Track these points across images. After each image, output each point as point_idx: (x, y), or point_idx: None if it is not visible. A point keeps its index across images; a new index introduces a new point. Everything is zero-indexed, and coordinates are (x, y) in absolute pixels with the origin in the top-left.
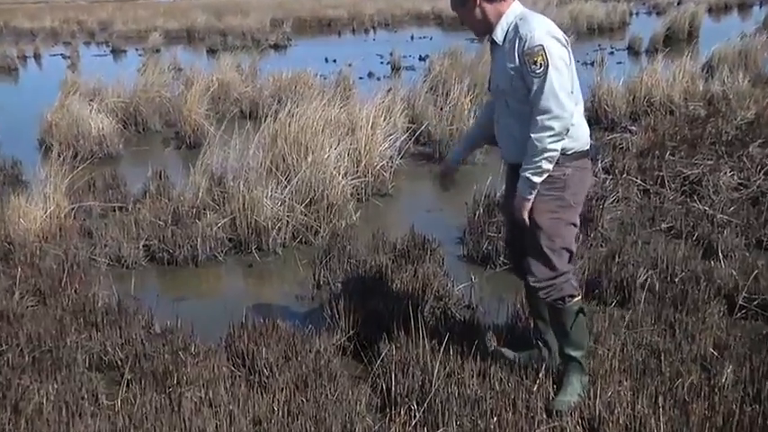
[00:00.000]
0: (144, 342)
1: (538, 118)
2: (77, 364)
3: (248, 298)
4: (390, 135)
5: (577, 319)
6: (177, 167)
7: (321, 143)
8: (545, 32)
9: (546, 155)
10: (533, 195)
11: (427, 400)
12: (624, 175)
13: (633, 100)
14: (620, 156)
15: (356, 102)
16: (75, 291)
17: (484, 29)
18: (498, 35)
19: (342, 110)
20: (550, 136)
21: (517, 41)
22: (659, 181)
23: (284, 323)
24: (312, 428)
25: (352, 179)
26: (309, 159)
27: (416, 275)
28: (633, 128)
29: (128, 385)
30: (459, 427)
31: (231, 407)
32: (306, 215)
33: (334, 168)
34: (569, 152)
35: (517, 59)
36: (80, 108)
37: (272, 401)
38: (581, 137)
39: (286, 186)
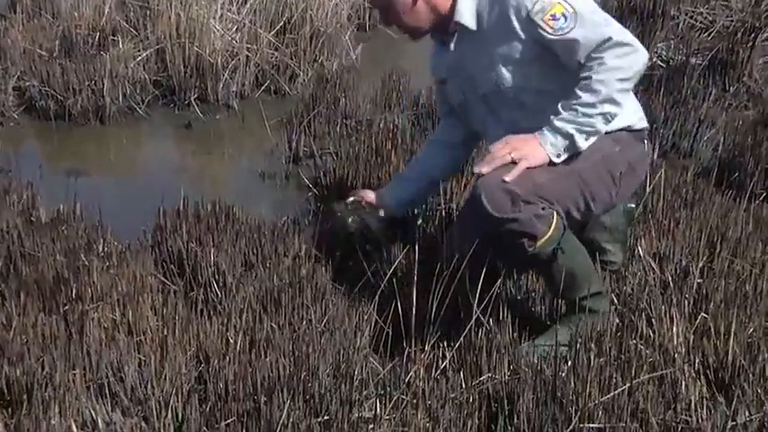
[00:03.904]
0: (22, 236)
1: (596, 54)
2: None
3: (187, 174)
4: None
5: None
6: None
7: None
8: None
9: (606, 108)
10: (561, 159)
11: (465, 331)
12: None
13: None
14: None
15: None
16: None
17: (433, 22)
18: (467, 18)
19: None
20: (621, 79)
21: (511, 12)
22: None
23: (243, 213)
24: (287, 370)
25: None
26: None
27: None
28: None
29: None
30: (512, 373)
31: (164, 334)
32: (277, 49)
33: None
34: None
35: (523, 34)
36: None
37: (227, 329)
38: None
39: (245, 1)
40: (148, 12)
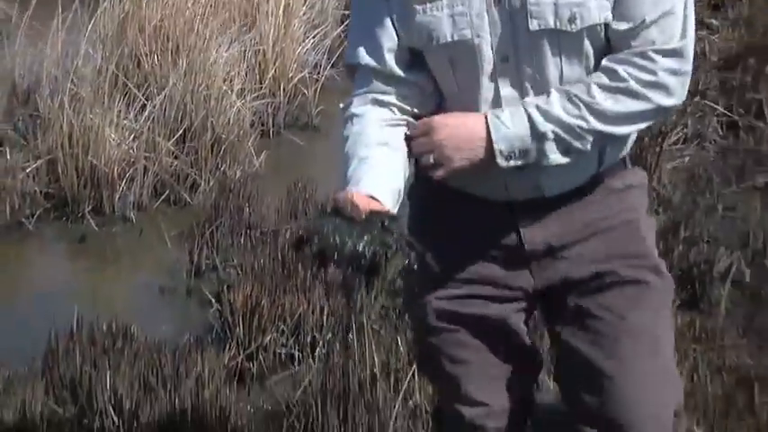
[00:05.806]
0: None
1: (640, 51)
2: None
3: (80, 292)
4: (317, 29)
5: None
6: None
7: (203, 39)
8: None
9: (619, 127)
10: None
11: None
12: (697, 99)
13: None
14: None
15: None
16: None
17: None
18: None
19: None
20: (650, 99)
21: None
22: (755, 109)
23: (142, 332)
24: None
25: (253, 100)
26: (182, 65)
27: None
28: (714, 21)
29: None
30: None
31: None
32: (177, 157)
33: (225, 81)
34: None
35: None
36: None
37: None
38: None
39: (143, 109)
40: (39, 120)
